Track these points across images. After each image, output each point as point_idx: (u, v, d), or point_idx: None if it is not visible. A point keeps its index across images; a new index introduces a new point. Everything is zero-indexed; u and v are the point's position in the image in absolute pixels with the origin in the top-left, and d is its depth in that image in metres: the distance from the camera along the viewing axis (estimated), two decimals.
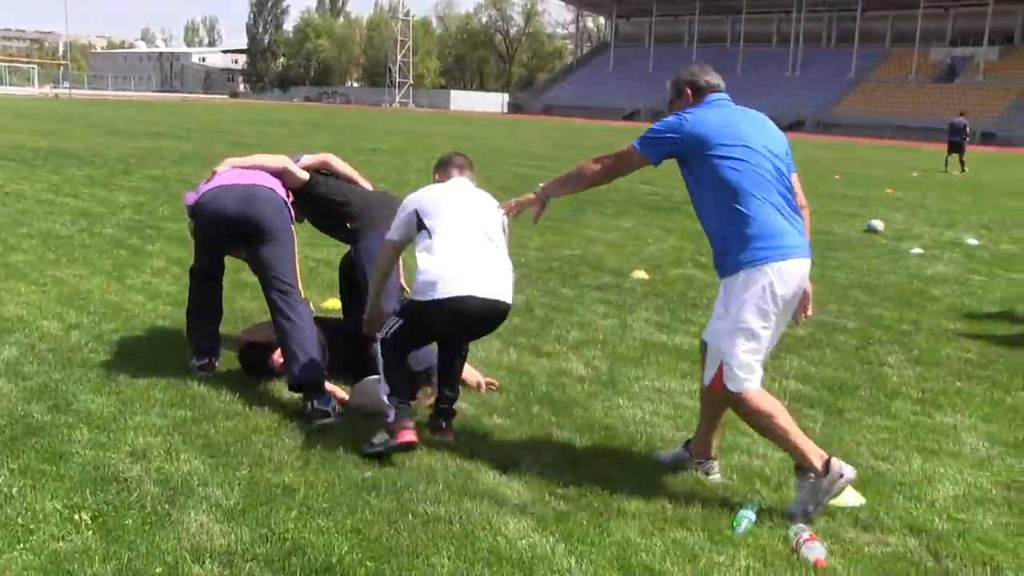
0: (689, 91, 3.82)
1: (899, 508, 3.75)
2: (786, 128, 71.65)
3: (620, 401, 4.95)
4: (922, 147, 50.88)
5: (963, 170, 27.53)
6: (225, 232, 4.73)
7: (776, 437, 3.67)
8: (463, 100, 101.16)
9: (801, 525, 3.45)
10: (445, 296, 3.91)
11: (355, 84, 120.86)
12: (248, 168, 4.93)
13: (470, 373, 4.98)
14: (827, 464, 3.53)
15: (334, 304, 6.14)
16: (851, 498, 3.77)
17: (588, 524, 3.43)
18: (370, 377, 4.62)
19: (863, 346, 6.37)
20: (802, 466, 3.58)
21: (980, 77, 72.62)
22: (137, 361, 5.04)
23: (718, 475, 3.98)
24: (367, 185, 5.29)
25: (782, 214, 3.59)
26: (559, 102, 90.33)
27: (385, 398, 4.02)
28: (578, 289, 7.78)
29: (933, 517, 3.67)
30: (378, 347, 4.09)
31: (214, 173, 4.88)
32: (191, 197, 4.86)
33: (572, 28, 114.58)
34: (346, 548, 3.12)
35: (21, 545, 3.05)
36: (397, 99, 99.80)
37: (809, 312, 3.99)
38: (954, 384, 5.58)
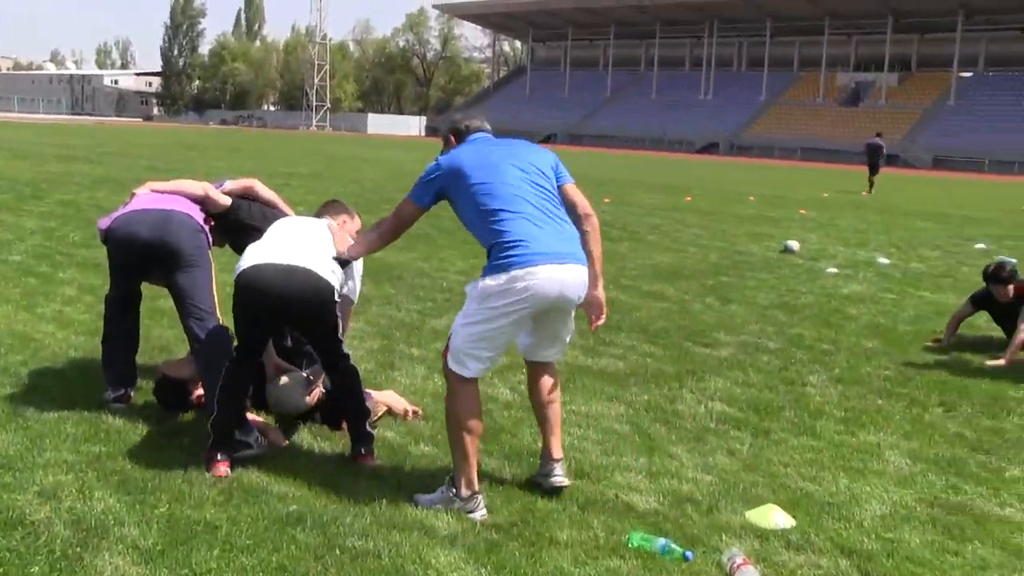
0: (452, 137, 4.16)
1: (829, 529, 3.77)
2: (700, 150, 73.94)
3: (570, 431, 4.86)
4: (830, 168, 52.37)
5: (871, 191, 28.39)
6: (138, 257, 4.57)
7: (453, 443, 3.84)
8: (380, 123, 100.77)
9: (735, 550, 3.44)
10: (246, 266, 4.03)
11: (272, 107, 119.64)
12: (166, 192, 4.79)
13: (396, 400, 4.90)
14: (473, 496, 3.73)
15: None
16: (781, 520, 3.78)
17: (520, 555, 3.37)
18: (283, 378, 4.51)
19: (786, 366, 6.45)
20: (454, 481, 3.76)
21: (882, 101, 75.42)
22: (47, 394, 4.81)
23: (559, 477, 4.00)
24: (289, 211, 5.17)
25: (536, 224, 3.76)
26: None
27: (208, 423, 4.05)
28: None
29: (862, 537, 3.70)
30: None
31: (133, 195, 4.74)
32: (104, 222, 4.69)
33: (489, 52, 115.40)
34: None
35: None
36: (314, 123, 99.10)
37: (601, 319, 4.10)
38: (875, 402, 5.68)
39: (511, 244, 3.70)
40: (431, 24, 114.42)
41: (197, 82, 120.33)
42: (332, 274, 4.11)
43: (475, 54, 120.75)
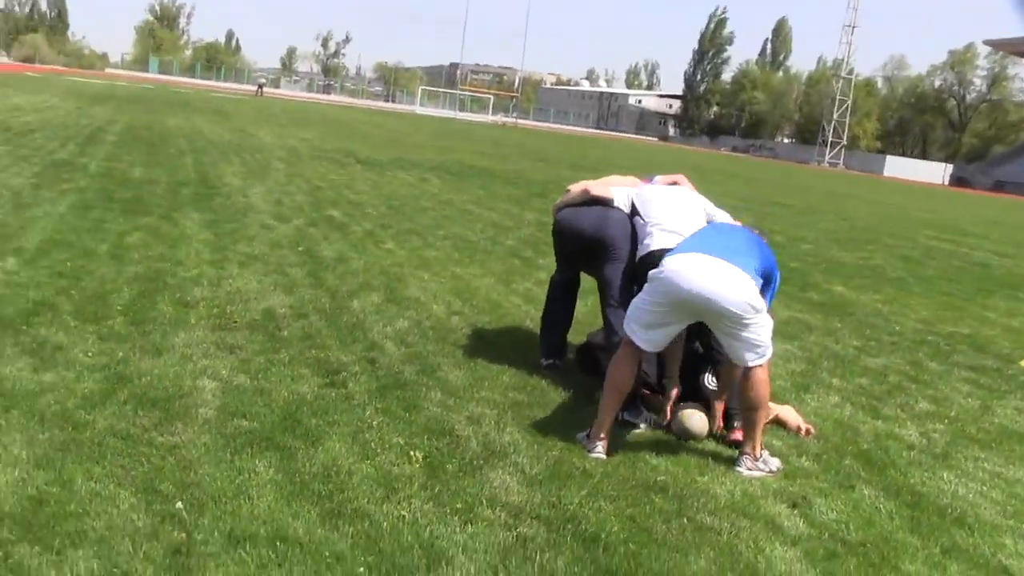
0: None
1: None
2: None
3: (944, 475, 4.75)
4: None
5: None
6: (579, 248, 5.29)
7: (603, 394, 4.48)
8: (899, 166, 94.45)
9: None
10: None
11: (785, 139, 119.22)
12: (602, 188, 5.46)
13: (791, 415, 5.11)
14: (597, 441, 4.31)
15: None
16: None
17: (857, 571, 3.49)
18: (692, 408, 4.91)
19: None
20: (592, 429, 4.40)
21: None
22: (497, 349, 5.78)
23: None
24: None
25: None
26: (1016, 178, 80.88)
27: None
28: (947, 365, 7.40)
29: None
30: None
31: (567, 191, 5.48)
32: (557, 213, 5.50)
33: None
34: (616, 528, 3.51)
35: (368, 461, 3.83)
36: (827, 159, 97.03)
37: None
38: None
39: None
40: (979, 63, 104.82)
41: (715, 108, 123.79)
42: None
43: None
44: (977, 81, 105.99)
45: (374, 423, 4.25)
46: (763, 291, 4.44)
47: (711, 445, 4.71)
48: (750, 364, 4.33)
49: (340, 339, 5.57)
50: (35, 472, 3.37)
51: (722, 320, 4.26)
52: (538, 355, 5.60)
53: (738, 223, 5.29)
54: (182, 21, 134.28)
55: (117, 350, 4.84)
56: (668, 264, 4.33)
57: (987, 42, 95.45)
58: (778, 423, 5.05)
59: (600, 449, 4.30)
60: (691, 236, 4.65)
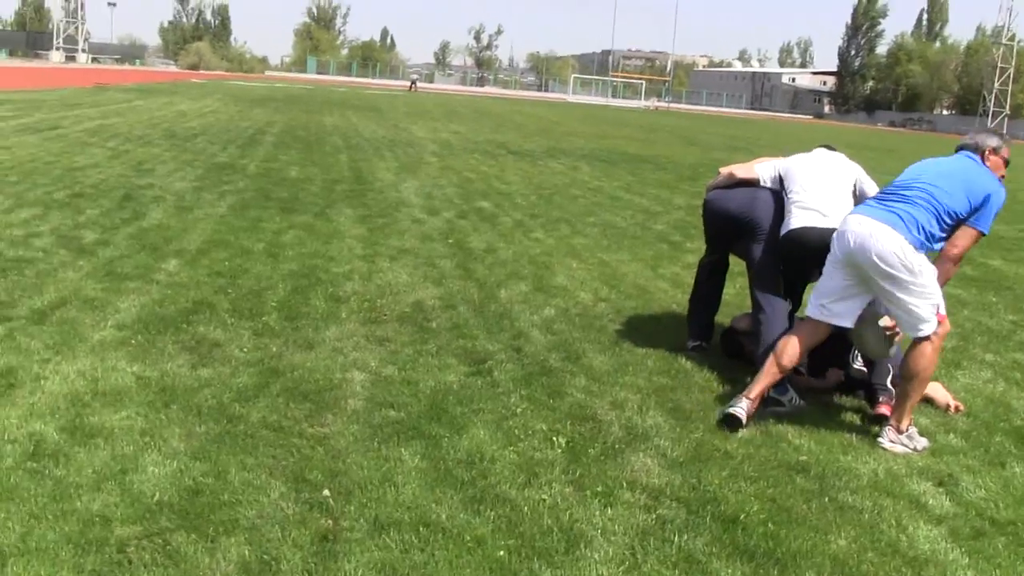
0: None
1: None
2: None
3: None
4: None
5: None
6: (724, 227, 5.30)
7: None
8: None
9: None
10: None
11: (944, 112, 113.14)
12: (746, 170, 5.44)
13: (940, 393, 4.98)
14: (740, 397, 4.43)
15: None
16: None
17: (1006, 550, 3.40)
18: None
19: None
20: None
21: None
22: (642, 334, 5.83)
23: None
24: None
25: None
26: None
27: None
28: None
29: None
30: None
31: (719, 173, 5.48)
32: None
33: None
34: (756, 508, 3.52)
35: (511, 447, 3.95)
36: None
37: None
38: None
39: None
40: None
41: (870, 83, 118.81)
42: None
43: None
44: None
45: (518, 410, 4.38)
46: (971, 216, 4.69)
47: (855, 422, 4.67)
48: (913, 335, 4.35)
49: (487, 329, 5.73)
50: (192, 464, 3.56)
51: (879, 280, 4.27)
52: (684, 339, 5.63)
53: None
54: (338, 21, 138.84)
55: (271, 345, 5.10)
56: (840, 225, 4.48)
57: None
58: (925, 400, 4.92)
59: (742, 406, 4.35)
60: (869, 200, 4.66)
